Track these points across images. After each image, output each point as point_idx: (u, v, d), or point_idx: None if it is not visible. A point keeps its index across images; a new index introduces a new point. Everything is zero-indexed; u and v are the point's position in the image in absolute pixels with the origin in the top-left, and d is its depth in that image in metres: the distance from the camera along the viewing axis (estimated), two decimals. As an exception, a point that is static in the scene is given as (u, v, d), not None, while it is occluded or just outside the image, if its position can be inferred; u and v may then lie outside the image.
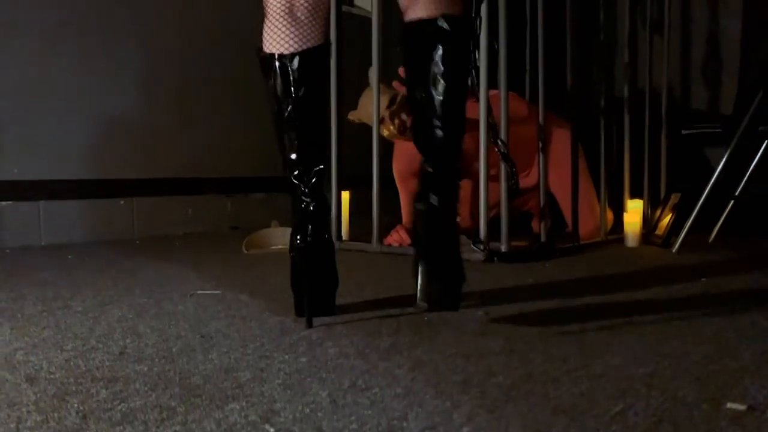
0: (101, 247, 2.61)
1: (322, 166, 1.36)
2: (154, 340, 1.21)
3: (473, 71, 1.67)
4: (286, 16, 1.35)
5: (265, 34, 1.37)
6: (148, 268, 2.05)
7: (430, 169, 1.33)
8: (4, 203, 2.71)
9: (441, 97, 1.31)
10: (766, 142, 2.43)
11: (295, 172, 1.35)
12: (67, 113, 2.84)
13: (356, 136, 2.72)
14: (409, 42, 1.36)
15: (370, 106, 2.45)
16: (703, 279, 1.86)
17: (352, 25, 3.29)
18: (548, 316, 1.40)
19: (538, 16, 2.46)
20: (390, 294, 1.62)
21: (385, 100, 2.45)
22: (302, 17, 1.36)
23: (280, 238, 2.65)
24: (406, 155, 2.65)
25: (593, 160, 2.74)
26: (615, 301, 1.55)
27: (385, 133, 2.51)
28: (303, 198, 1.34)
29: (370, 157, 2.48)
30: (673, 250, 2.41)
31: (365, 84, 2.54)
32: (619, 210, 2.84)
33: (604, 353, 1.11)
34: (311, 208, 1.33)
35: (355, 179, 2.73)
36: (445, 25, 1.31)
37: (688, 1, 3.44)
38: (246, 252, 2.48)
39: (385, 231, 2.50)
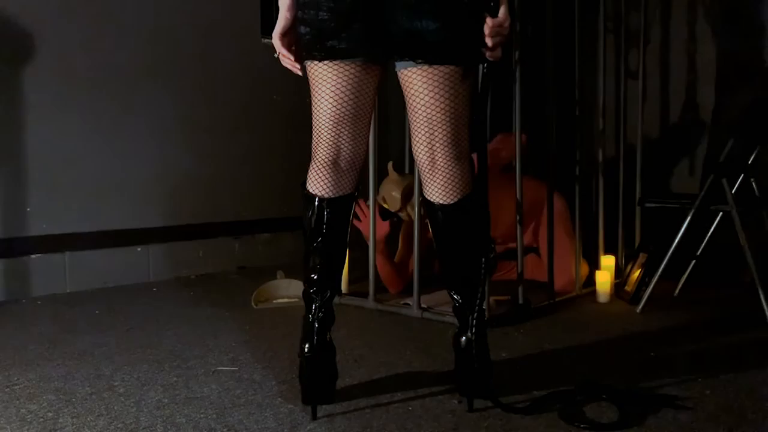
0: (122, 297, 2.91)
1: (335, 287, 1.65)
2: (191, 434, 1.51)
3: None
4: (330, 166, 1.62)
5: (310, 176, 1.63)
6: (170, 334, 2.34)
7: (457, 298, 1.66)
8: (34, 256, 3.01)
9: (464, 251, 1.66)
10: (718, 217, 2.74)
11: (313, 289, 1.63)
12: (86, 173, 3.14)
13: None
14: (432, 216, 1.67)
15: (393, 192, 2.82)
16: (652, 354, 2.15)
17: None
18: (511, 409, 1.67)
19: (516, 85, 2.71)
20: (381, 374, 1.93)
21: (400, 189, 2.80)
22: (344, 167, 1.63)
23: (285, 289, 2.94)
24: (379, 224, 2.94)
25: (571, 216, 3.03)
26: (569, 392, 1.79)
27: (403, 215, 2.87)
28: (314, 310, 1.62)
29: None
30: (638, 310, 2.71)
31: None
32: (594, 263, 3.12)
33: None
34: (318, 321, 1.60)
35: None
36: (461, 208, 1.62)
37: (667, 61, 3.71)
38: (255, 307, 2.77)
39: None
